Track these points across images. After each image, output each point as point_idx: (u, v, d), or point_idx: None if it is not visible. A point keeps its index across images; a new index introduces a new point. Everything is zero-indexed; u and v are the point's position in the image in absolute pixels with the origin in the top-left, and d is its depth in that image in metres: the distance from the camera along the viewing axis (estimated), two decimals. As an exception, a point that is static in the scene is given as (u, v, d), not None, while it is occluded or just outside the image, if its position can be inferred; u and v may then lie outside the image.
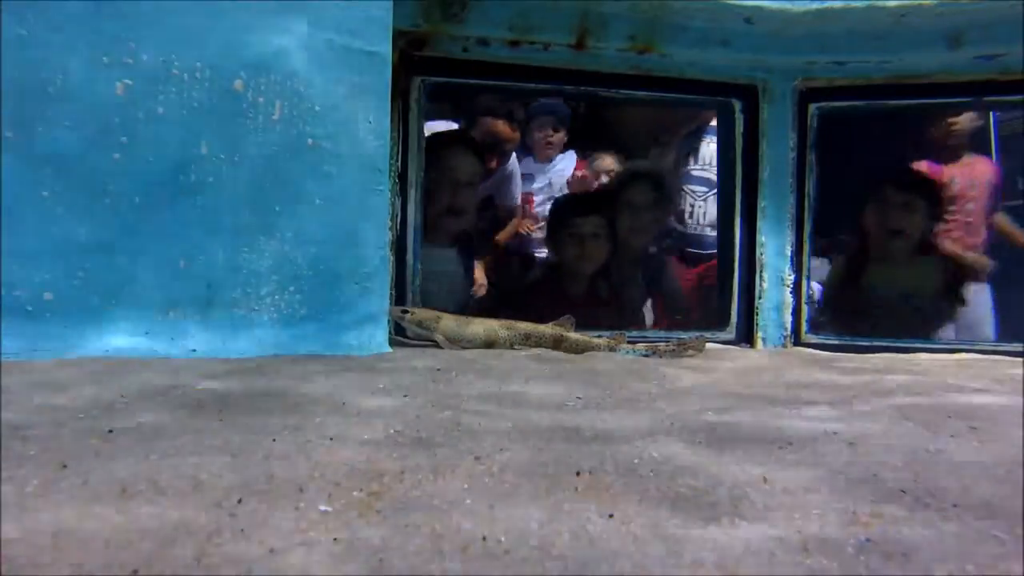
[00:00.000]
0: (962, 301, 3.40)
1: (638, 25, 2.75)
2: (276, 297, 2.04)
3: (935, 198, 3.48)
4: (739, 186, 3.02)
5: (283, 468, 0.96)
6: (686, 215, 4.08)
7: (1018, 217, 4.17)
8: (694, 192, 4.08)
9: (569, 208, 3.61)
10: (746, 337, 2.99)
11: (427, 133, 3.91)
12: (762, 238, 2.98)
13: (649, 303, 3.66)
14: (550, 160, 4.41)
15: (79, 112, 1.83)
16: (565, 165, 4.41)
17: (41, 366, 1.63)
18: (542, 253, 3.99)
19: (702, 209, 4.02)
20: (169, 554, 0.70)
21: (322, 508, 0.83)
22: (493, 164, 4.10)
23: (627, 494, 0.91)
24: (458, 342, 2.37)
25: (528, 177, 4.35)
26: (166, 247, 1.93)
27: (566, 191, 4.28)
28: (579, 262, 3.38)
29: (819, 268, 4.10)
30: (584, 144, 4.44)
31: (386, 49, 2.18)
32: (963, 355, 2.70)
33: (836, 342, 2.97)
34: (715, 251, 3.41)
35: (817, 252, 3.77)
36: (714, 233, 3.68)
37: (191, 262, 1.95)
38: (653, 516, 0.84)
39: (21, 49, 1.78)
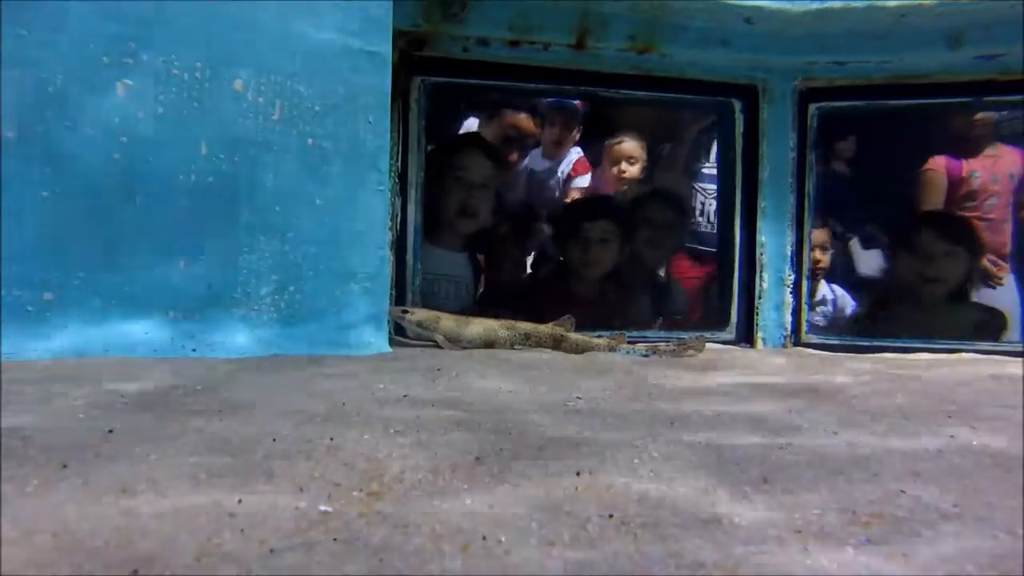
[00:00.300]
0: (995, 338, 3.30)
1: (638, 25, 2.75)
2: (276, 297, 2.04)
3: (975, 246, 3.36)
4: (739, 186, 3.02)
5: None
6: (697, 212, 4.08)
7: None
8: (704, 190, 4.08)
9: (578, 211, 3.57)
10: (746, 337, 2.99)
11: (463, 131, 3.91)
12: (762, 238, 2.98)
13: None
14: (559, 158, 4.34)
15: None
16: (571, 160, 4.36)
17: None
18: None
19: (713, 207, 4.00)
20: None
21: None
22: (514, 157, 4.07)
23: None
24: (458, 342, 2.37)
25: (536, 173, 4.30)
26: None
27: (569, 188, 4.25)
28: (585, 267, 3.33)
29: (870, 258, 4.04)
30: (589, 144, 4.41)
31: (386, 49, 2.18)
32: (963, 355, 2.69)
33: (836, 342, 2.97)
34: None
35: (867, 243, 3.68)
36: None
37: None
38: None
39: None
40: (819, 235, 3.83)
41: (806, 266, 3.02)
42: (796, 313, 3.00)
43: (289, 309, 2.05)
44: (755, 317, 2.97)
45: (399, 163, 2.60)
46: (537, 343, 2.40)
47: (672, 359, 2.33)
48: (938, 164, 3.92)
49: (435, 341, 2.37)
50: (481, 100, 4.21)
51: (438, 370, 1.80)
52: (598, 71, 2.83)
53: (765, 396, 1.64)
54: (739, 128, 3.01)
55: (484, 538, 0.76)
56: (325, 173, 2.09)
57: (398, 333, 2.51)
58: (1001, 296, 3.65)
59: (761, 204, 2.97)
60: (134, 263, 1.90)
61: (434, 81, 2.71)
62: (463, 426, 1.24)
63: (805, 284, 3.03)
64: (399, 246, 2.61)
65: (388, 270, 2.33)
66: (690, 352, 2.43)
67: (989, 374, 2.06)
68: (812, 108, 2.98)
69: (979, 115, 3.79)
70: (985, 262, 3.69)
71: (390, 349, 2.22)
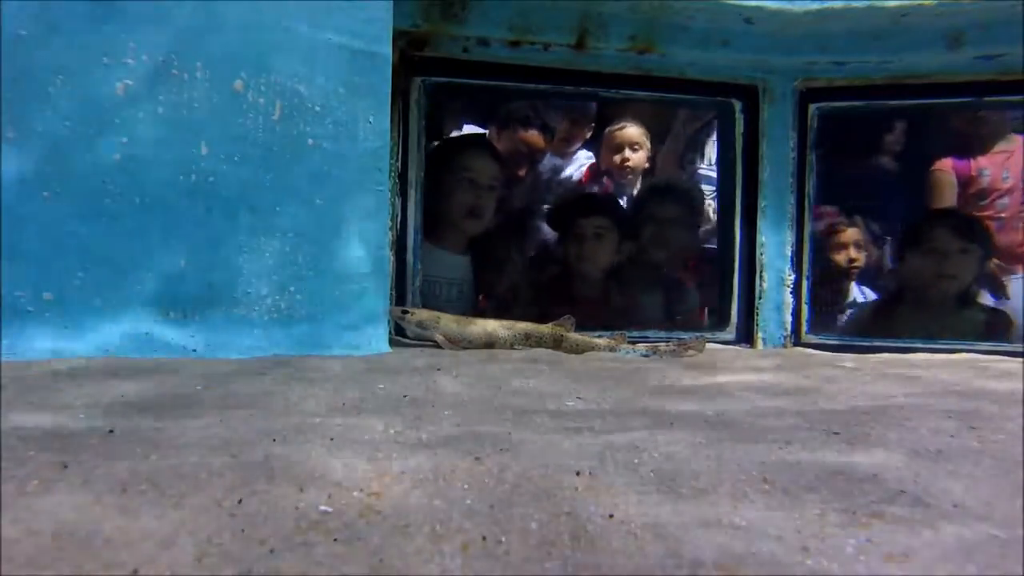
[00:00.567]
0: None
1: (638, 25, 2.76)
2: (276, 297, 2.04)
3: (987, 245, 3.33)
4: (739, 186, 3.02)
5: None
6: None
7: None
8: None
9: (572, 206, 3.53)
10: (746, 337, 2.99)
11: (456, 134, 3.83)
12: (762, 238, 2.98)
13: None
14: (568, 155, 4.21)
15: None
16: (583, 163, 4.22)
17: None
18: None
19: (711, 207, 3.98)
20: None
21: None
22: (522, 172, 3.97)
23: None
24: (458, 342, 2.37)
25: (544, 170, 4.17)
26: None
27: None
28: (580, 263, 3.31)
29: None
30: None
31: (386, 49, 2.18)
32: (963, 355, 2.69)
33: (836, 342, 2.97)
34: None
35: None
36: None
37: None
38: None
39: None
40: (852, 233, 3.81)
41: (806, 266, 3.02)
42: (796, 313, 3.00)
43: (289, 309, 2.05)
44: (755, 317, 2.98)
45: (399, 163, 2.60)
46: (537, 343, 2.40)
47: (672, 359, 2.33)
48: (945, 163, 3.82)
49: (435, 341, 2.37)
50: (490, 112, 4.11)
51: (438, 370, 1.80)
52: (598, 71, 2.83)
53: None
54: (739, 128, 3.01)
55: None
56: (325, 173, 2.09)
57: (398, 333, 2.51)
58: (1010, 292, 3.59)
59: (761, 204, 2.98)
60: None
61: (434, 81, 2.71)
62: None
63: (805, 284, 3.03)
64: (399, 246, 2.61)
65: (388, 270, 2.34)
66: (690, 352, 2.43)
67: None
68: (812, 108, 2.98)
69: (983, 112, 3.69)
70: (993, 267, 3.64)
71: (390, 349, 2.22)
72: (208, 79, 1.95)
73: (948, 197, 3.84)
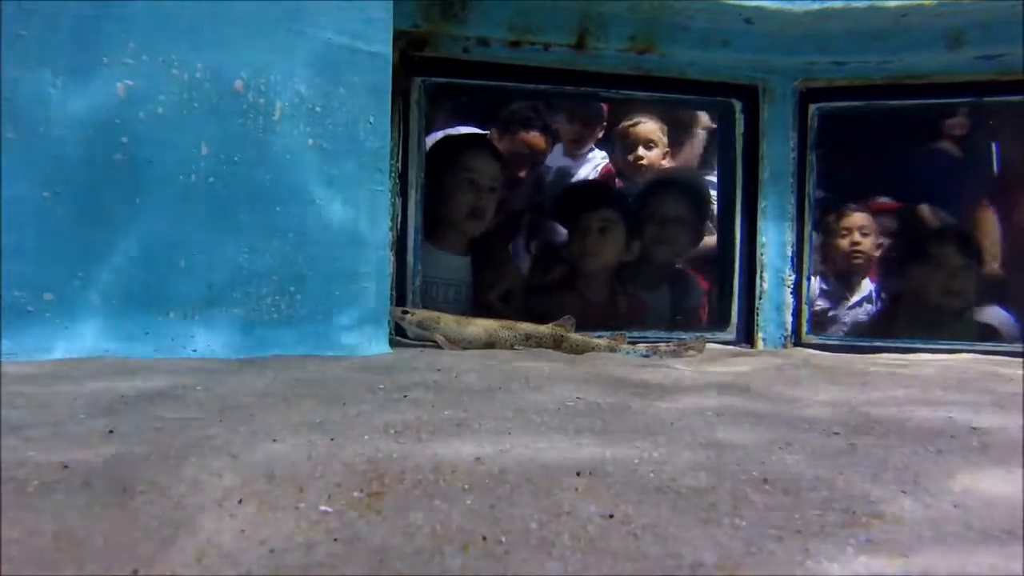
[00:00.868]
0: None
1: (638, 25, 2.75)
2: (276, 297, 2.04)
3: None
4: (739, 186, 3.02)
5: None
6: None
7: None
8: None
9: (575, 199, 3.43)
10: (746, 337, 2.99)
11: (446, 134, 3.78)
12: (762, 238, 2.98)
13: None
14: (580, 157, 4.07)
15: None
16: (599, 163, 4.08)
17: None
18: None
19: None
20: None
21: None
22: (522, 174, 3.90)
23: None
24: (458, 343, 2.36)
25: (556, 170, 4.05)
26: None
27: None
28: (583, 257, 3.23)
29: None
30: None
31: (386, 49, 2.18)
32: (963, 355, 2.69)
33: (836, 342, 2.97)
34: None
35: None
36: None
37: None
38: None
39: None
40: (859, 218, 3.70)
41: (807, 266, 3.02)
42: (796, 313, 3.00)
43: (290, 309, 2.05)
44: (755, 317, 2.97)
45: (399, 163, 2.60)
46: (537, 343, 2.40)
47: (672, 359, 2.33)
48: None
49: (435, 341, 2.37)
50: (492, 113, 4.06)
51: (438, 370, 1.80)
52: (598, 71, 2.83)
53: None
54: (739, 128, 3.01)
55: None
56: (325, 173, 2.09)
57: (398, 333, 2.51)
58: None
59: (761, 204, 2.97)
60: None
61: (434, 81, 2.71)
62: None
63: (805, 284, 3.02)
64: (399, 246, 2.61)
65: (388, 270, 2.33)
66: (690, 352, 2.43)
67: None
68: (812, 108, 2.98)
69: None
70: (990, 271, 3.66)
71: (390, 349, 2.21)
72: (208, 78, 1.94)
73: (993, 235, 3.83)
